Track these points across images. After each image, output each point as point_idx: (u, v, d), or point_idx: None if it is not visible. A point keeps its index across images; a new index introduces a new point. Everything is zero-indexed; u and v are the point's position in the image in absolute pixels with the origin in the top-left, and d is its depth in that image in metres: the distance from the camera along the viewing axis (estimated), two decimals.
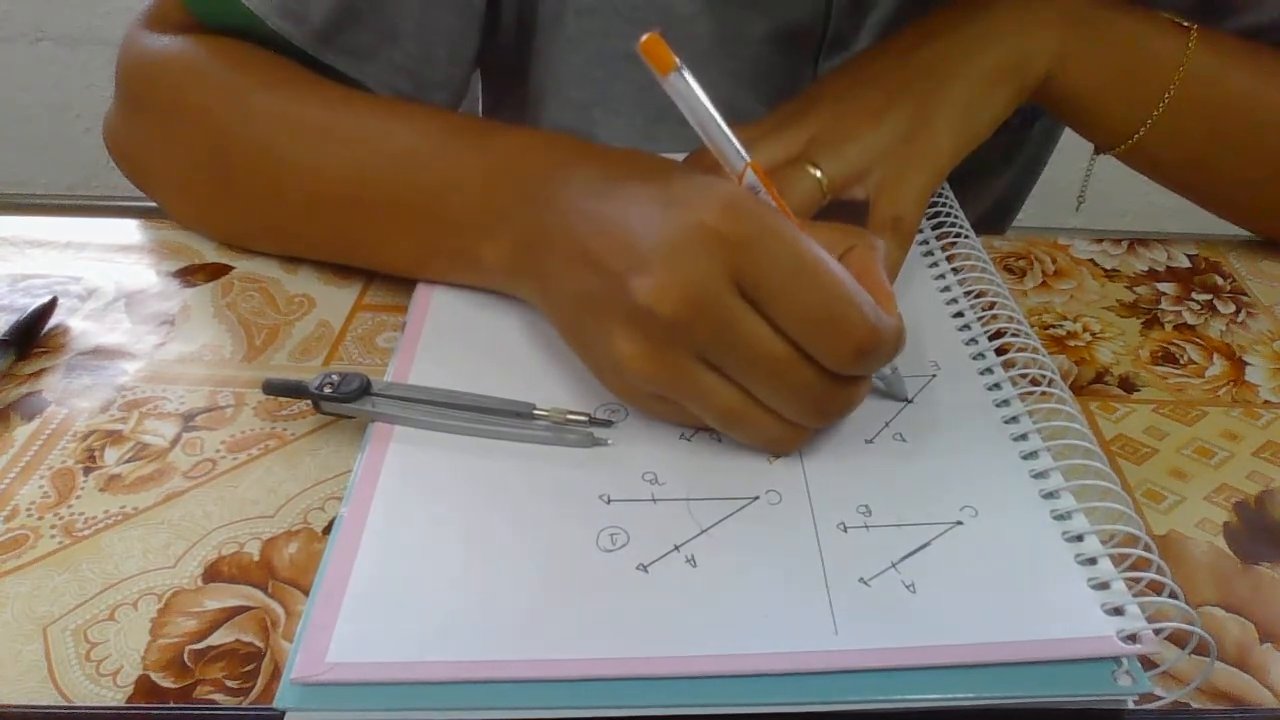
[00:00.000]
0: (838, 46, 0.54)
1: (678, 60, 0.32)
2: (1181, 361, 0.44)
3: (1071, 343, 0.45)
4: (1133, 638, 0.28)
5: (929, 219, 0.47)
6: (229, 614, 0.32)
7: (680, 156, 0.47)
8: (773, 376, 0.32)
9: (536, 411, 0.35)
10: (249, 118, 0.46)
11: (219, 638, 0.31)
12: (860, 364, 0.32)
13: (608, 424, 0.36)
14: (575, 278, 0.35)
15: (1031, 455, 0.34)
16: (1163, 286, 0.49)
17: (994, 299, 0.41)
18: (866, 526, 0.31)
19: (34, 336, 0.43)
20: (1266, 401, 0.41)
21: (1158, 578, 0.29)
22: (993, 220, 0.70)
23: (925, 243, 0.46)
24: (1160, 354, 0.44)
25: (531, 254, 0.38)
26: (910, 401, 0.37)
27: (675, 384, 0.33)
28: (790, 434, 0.34)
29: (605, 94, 0.56)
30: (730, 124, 0.34)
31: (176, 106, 0.48)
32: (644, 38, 0.32)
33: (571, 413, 0.35)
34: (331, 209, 0.45)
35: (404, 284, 0.45)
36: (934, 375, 0.38)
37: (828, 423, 0.35)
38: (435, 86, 0.53)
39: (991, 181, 0.65)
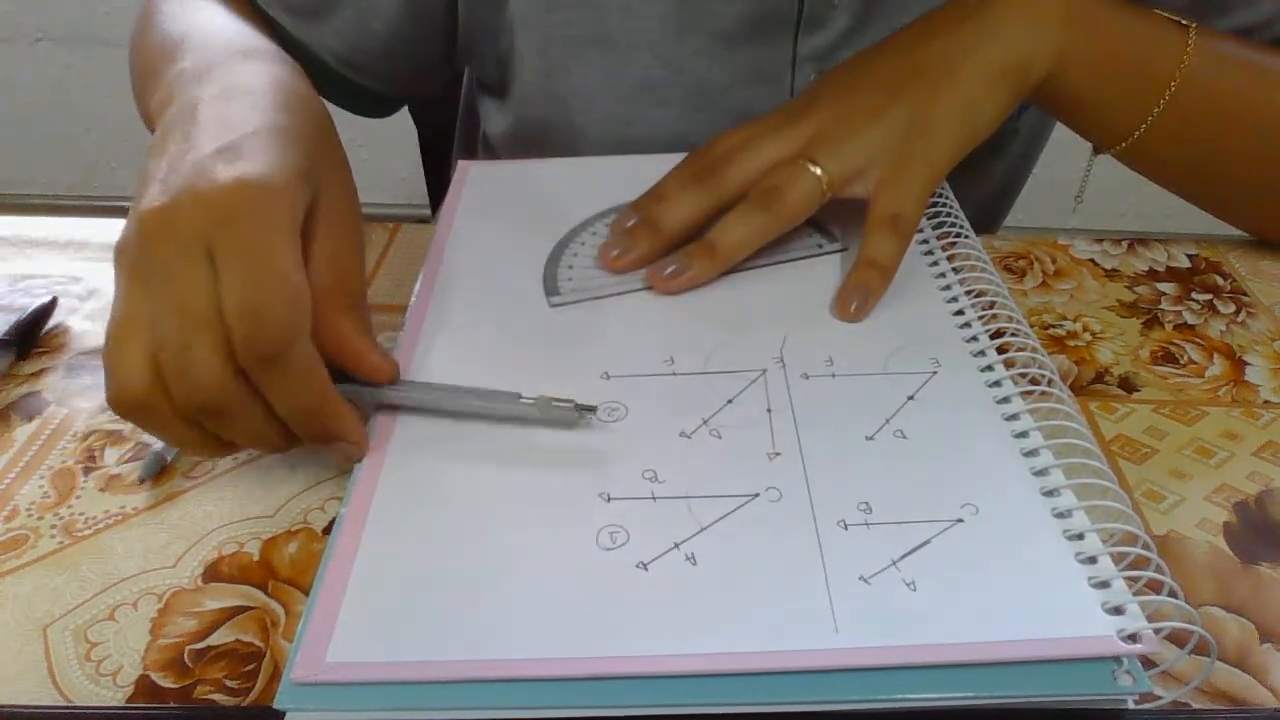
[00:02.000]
0: (814, 25, 0.54)
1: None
2: (1181, 361, 0.44)
3: (1071, 343, 0.45)
4: (1133, 637, 0.27)
5: (929, 218, 0.47)
6: (229, 614, 0.32)
7: (667, 162, 0.47)
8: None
9: (523, 399, 0.35)
10: (145, 26, 0.49)
11: (219, 638, 0.31)
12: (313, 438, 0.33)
13: (591, 409, 0.35)
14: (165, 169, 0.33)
15: (1032, 453, 0.34)
16: (1163, 286, 0.49)
17: (994, 299, 0.41)
18: (867, 524, 0.31)
19: (34, 336, 0.43)
20: (1266, 401, 0.41)
21: (1157, 576, 0.29)
22: (985, 216, 0.70)
23: (925, 241, 0.46)
24: (1160, 354, 0.44)
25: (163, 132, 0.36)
26: (911, 399, 0.37)
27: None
28: (273, 436, 0.33)
29: (580, 83, 0.56)
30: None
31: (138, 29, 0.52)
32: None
33: (556, 399, 0.35)
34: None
35: (404, 284, 0.45)
36: (934, 373, 0.38)
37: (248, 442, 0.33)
38: (373, 56, 0.56)
39: (982, 175, 0.65)
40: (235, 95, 0.36)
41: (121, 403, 0.31)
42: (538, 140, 0.59)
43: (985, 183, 0.67)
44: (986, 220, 0.70)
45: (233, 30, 0.45)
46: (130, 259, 0.31)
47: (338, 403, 0.33)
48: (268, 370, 0.31)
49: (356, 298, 0.35)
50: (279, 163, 0.33)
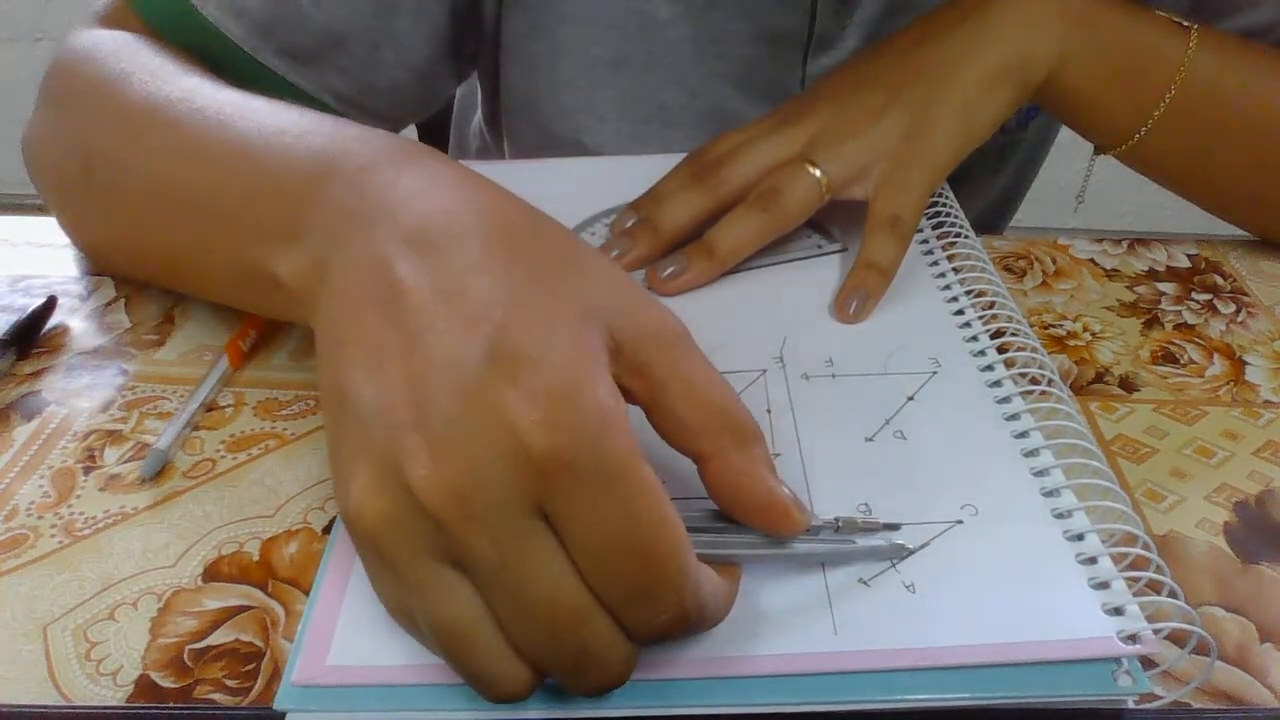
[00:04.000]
0: (824, 46, 0.54)
1: None
2: (1181, 361, 0.44)
3: (1071, 342, 0.45)
4: (1133, 637, 0.27)
5: (929, 218, 0.47)
6: (229, 614, 0.32)
7: (667, 163, 0.47)
8: (548, 619, 0.24)
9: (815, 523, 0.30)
10: (105, 110, 0.41)
11: (219, 637, 0.31)
12: (663, 639, 0.25)
13: (895, 527, 0.31)
14: (344, 364, 0.25)
15: (1032, 453, 0.34)
16: (1163, 286, 0.49)
17: (994, 298, 0.41)
18: None
19: (34, 336, 0.43)
20: (1266, 401, 0.41)
21: (1157, 577, 0.29)
22: (990, 221, 0.70)
23: (925, 242, 0.46)
24: (1160, 354, 0.44)
25: (324, 288, 0.28)
26: (911, 399, 0.37)
27: (404, 566, 0.24)
28: (516, 676, 0.25)
29: (590, 100, 0.56)
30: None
31: (60, 97, 0.46)
32: None
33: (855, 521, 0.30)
34: (158, 213, 0.38)
35: None
36: (934, 373, 0.38)
37: (578, 683, 0.25)
38: (378, 92, 0.52)
39: (987, 181, 0.65)
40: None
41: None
42: (540, 154, 0.59)
43: (991, 189, 0.67)
44: (991, 224, 0.70)
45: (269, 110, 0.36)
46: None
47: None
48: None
49: (744, 420, 0.27)
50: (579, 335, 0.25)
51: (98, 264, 0.49)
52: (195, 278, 0.40)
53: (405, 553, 0.24)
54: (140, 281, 0.47)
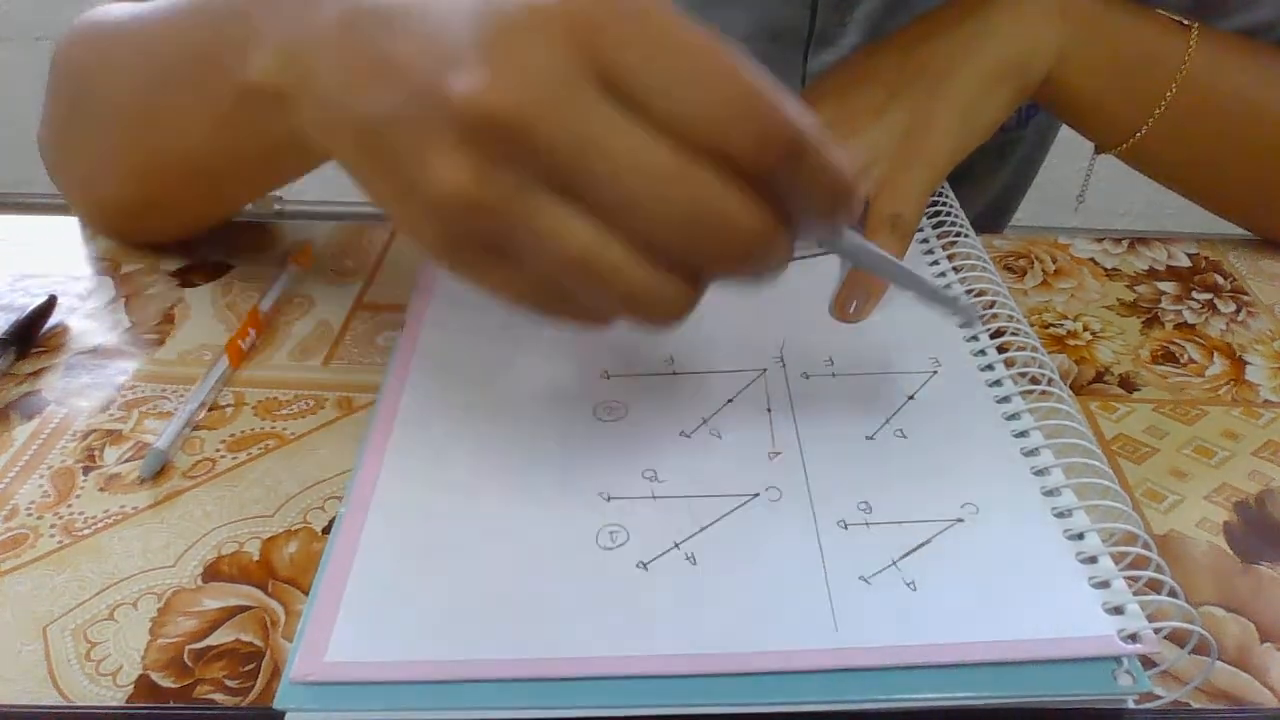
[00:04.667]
0: (825, 42, 0.54)
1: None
2: (1182, 361, 0.44)
3: (1071, 342, 0.45)
4: (1133, 637, 0.27)
5: (929, 217, 0.47)
6: (229, 614, 0.32)
7: None
8: (655, 192, 0.23)
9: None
10: (92, 49, 0.43)
11: (219, 637, 0.31)
12: (783, 159, 0.24)
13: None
14: (364, 94, 0.26)
15: (1033, 452, 0.34)
16: (1163, 286, 0.49)
17: (994, 298, 0.41)
18: (867, 524, 0.31)
19: (34, 336, 0.43)
20: (1267, 401, 0.41)
21: (1157, 576, 0.29)
22: (990, 219, 0.70)
23: (925, 241, 0.46)
24: (1160, 353, 0.44)
25: (300, 68, 0.29)
26: (911, 398, 0.37)
27: (510, 215, 0.24)
28: (667, 289, 0.25)
29: None
30: None
31: (61, 65, 0.46)
32: None
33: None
34: (146, 107, 0.40)
35: (404, 284, 0.45)
36: (935, 372, 0.38)
37: (734, 264, 0.25)
38: None
39: (987, 180, 0.65)
40: None
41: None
42: None
43: (991, 187, 0.67)
44: (991, 223, 0.70)
45: None
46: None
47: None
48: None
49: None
50: None
51: (120, 225, 0.49)
52: (198, 164, 0.40)
53: (507, 201, 0.23)
54: (160, 226, 0.48)
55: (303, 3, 0.29)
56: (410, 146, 0.25)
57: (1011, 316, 0.40)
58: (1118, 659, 0.27)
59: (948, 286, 0.43)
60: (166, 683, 0.30)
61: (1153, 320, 0.46)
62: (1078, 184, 0.54)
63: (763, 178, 0.24)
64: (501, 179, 0.23)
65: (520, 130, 0.23)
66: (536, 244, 0.24)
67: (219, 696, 0.29)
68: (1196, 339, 0.45)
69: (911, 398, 0.37)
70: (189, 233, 0.49)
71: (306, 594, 0.32)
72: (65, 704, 0.29)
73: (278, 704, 0.27)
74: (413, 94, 0.25)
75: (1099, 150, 0.50)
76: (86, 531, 0.34)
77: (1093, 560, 0.30)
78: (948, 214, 0.47)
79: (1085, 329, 0.46)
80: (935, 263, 0.45)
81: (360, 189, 0.28)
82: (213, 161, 0.40)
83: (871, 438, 0.35)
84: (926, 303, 0.33)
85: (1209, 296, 0.48)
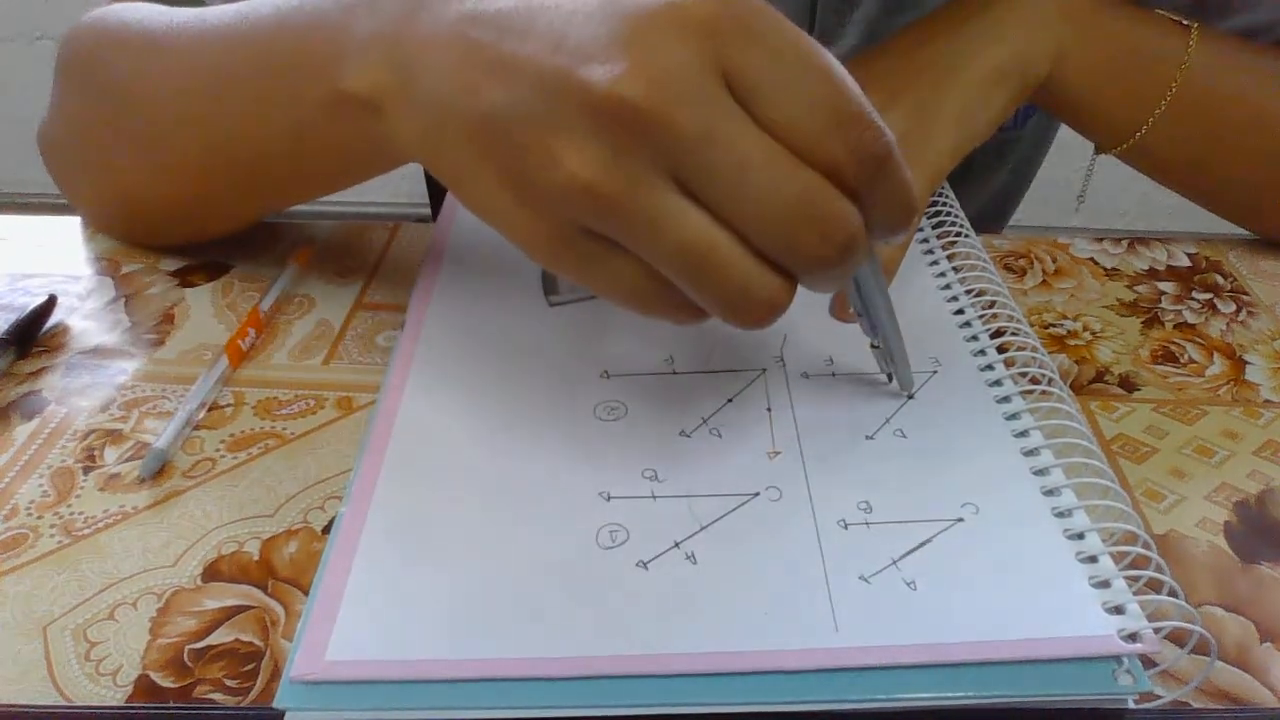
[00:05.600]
0: (823, 43, 0.54)
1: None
2: (1182, 360, 0.44)
3: (1071, 342, 0.45)
4: (1133, 636, 0.27)
5: (929, 218, 0.47)
6: (229, 614, 0.32)
7: None
8: (770, 187, 0.25)
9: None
10: (128, 47, 0.43)
11: (219, 637, 0.31)
12: (877, 171, 0.26)
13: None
14: (486, 93, 0.27)
15: (1032, 452, 0.34)
16: (1163, 285, 0.49)
17: (994, 298, 0.41)
18: (867, 523, 0.31)
19: (34, 336, 0.43)
20: (1267, 401, 0.41)
21: (1157, 576, 0.29)
22: (989, 219, 0.70)
23: (925, 241, 0.46)
24: (1160, 353, 0.44)
25: (406, 74, 0.30)
26: (911, 397, 0.37)
27: (632, 203, 0.25)
28: (771, 284, 0.26)
29: None
30: None
31: (78, 61, 0.46)
32: None
33: None
34: (205, 115, 0.40)
35: (404, 284, 0.45)
36: (935, 372, 0.38)
37: (830, 264, 0.26)
38: None
39: (986, 180, 0.65)
40: None
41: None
42: None
43: (989, 187, 0.67)
44: (991, 224, 0.70)
45: None
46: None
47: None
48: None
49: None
50: None
51: (147, 224, 0.49)
52: (263, 167, 0.41)
53: (632, 189, 0.25)
54: (193, 229, 0.47)
55: (407, 12, 0.31)
56: (536, 139, 0.26)
57: (1011, 316, 0.40)
58: (1118, 659, 0.27)
59: (947, 286, 0.43)
60: (166, 683, 0.30)
61: (1153, 320, 0.46)
62: (1078, 184, 0.54)
63: (850, 186, 0.26)
64: (628, 168, 0.25)
65: (654, 120, 0.24)
66: (653, 234, 0.25)
67: (219, 696, 0.29)
68: (1196, 339, 0.45)
69: (911, 397, 0.37)
70: (222, 234, 0.49)
71: (306, 594, 0.32)
72: (65, 704, 0.29)
73: (277, 703, 0.27)
74: (543, 88, 0.26)
75: (1099, 150, 0.50)
76: (86, 531, 0.34)
77: (1093, 560, 0.30)
78: (948, 214, 0.47)
79: (1085, 329, 0.46)
80: (935, 263, 0.45)
81: (460, 193, 0.30)
82: (280, 165, 0.41)
83: (871, 437, 0.35)
84: (883, 356, 0.36)
85: (1209, 296, 0.48)
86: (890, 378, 0.37)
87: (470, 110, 0.28)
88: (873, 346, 0.36)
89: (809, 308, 0.42)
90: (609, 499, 0.33)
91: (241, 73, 0.38)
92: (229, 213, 0.47)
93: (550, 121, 0.25)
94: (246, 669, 0.30)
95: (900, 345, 0.36)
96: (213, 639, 0.31)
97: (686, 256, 0.26)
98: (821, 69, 0.25)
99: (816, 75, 0.25)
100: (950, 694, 0.27)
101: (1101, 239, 0.53)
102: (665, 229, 0.25)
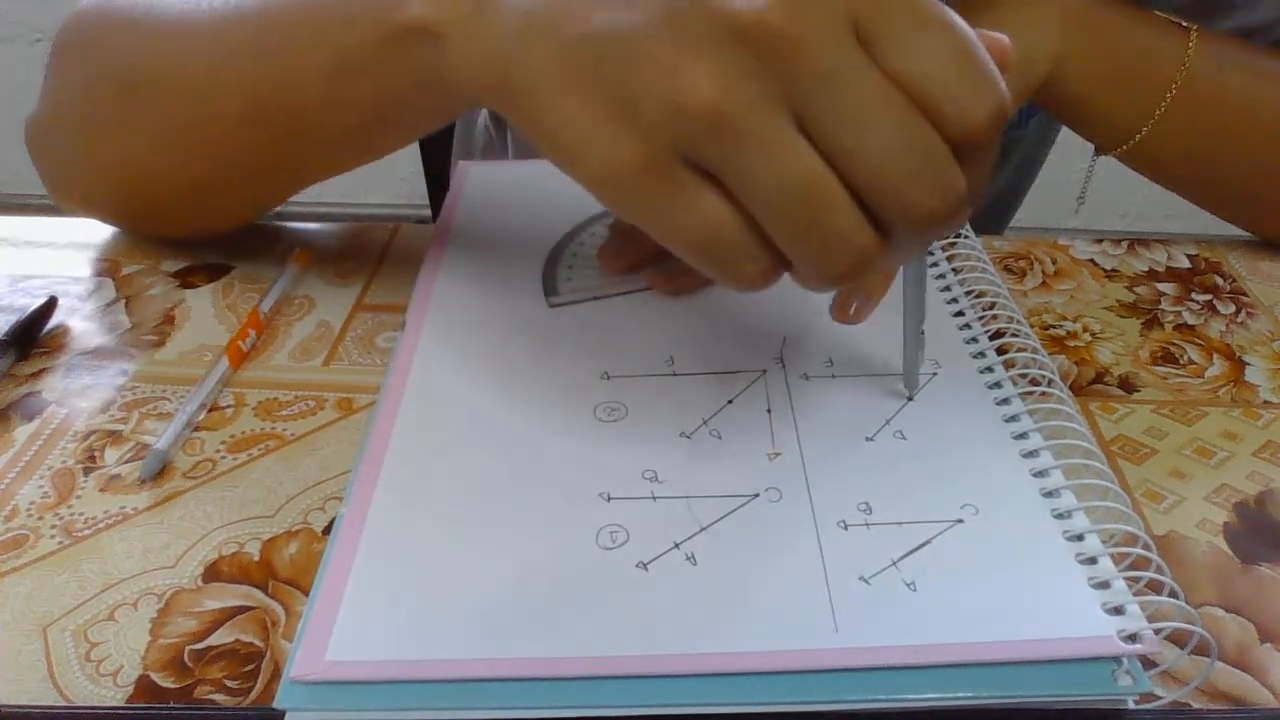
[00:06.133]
0: None
1: None
2: (1181, 361, 0.44)
3: (1071, 343, 0.45)
4: (1133, 637, 0.28)
5: None
6: (229, 614, 0.32)
7: None
8: (887, 135, 0.25)
9: None
10: (139, 27, 0.42)
11: (219, 638, 0.31)
12: (984, 140, 0.26)
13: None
14: (592, 12, 0.27)
15: (1032, 454, 0.34)
16: (1163, 287, 0.49)
17: (994, 299, 0.41)
18: (867, 524, 0.31)
19: (34, 336, 0.43)
20: (1266, 402, 0.41)
21: (1157, 577, 0.29)
22: (991, 220, 0.70)
23: None
24: (1160, 354, 0.44)
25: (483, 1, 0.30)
26: (911, 399, 0.37)
27: (753, 126, 0.25)
28: (870, 236, 0.26)
29: None
30: None
31: (78, 48, 0.45)
32: None
33: None
34: (235, 78, 0.39)
35: (404, 284, 0.45)
36: (934, 374, 0.38)
37: (932, 225, 0.26)
38: None
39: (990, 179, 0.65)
40: None
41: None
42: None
43: (993, 186, 0.67)
44: (991, 224, 0.71)
45: None
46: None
47: None
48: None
49: None
50: None
51: (146, 211, 0.47)
52: (296, 124, 0.40)
53: (749, 113, 0.24)
54: (205, 214, 0.46)
55: None
56: (660, 53, 0.25)
57: (1011, 318, 0.40)
58: (1117, 659, 0.27)
59: (947, 287, 0.43)
60: (167, 683, 0.30)
61: (1152, 321, 0.46)
62: (1078, 185, 0.54)
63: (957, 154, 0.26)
64: (754, 92, 0.24)
65: (792, 49, 0.24)
66: (767, 162, 0.25)
67: (219, 697, 0.29)
68: (1196, 340, 0.45)
69: (911, 399, 0.37)
70: (232, 222, 0.47)
71: (307, 594, 0.32)
72: (65, 704, 0.29)
73: (278, 703, 0.27)
74: (671, 6, 0.25)
75: (1099, 152, 0.50)
76: (87, 532, 0.34)
77: (1092, 561, 0.30)
78: None
79: (1085, 330, 0.46)
80: (935, 263, 0.45)
81: (530, 121, 0.29)
82: (314, 121, 0.40)
83: (871, 439, 0.35)
84: (910, 342, 0.36)
85: (1209, 298, 0.48)
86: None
87: (569, 29, 0.27)
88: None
89: (809, 309, 0.42)
90: (609, 500, 0.33)
91: (280, 20, 0.38)
92: (245, 193, 0.46)
93: (679, 36, 0.25)
94: (247, 669, 0.30)
95: (917, 337, 0.35)
96: (213, 639, 0.31)
97: (795, 192, 0.25)
98: (954, 33, 0.25)
99: (948, 38, 0.25)
100: (950, 694, 0.27)
101: (1101, 240, 0.53)
102: (780, 159, 0.25)
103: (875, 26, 0.24)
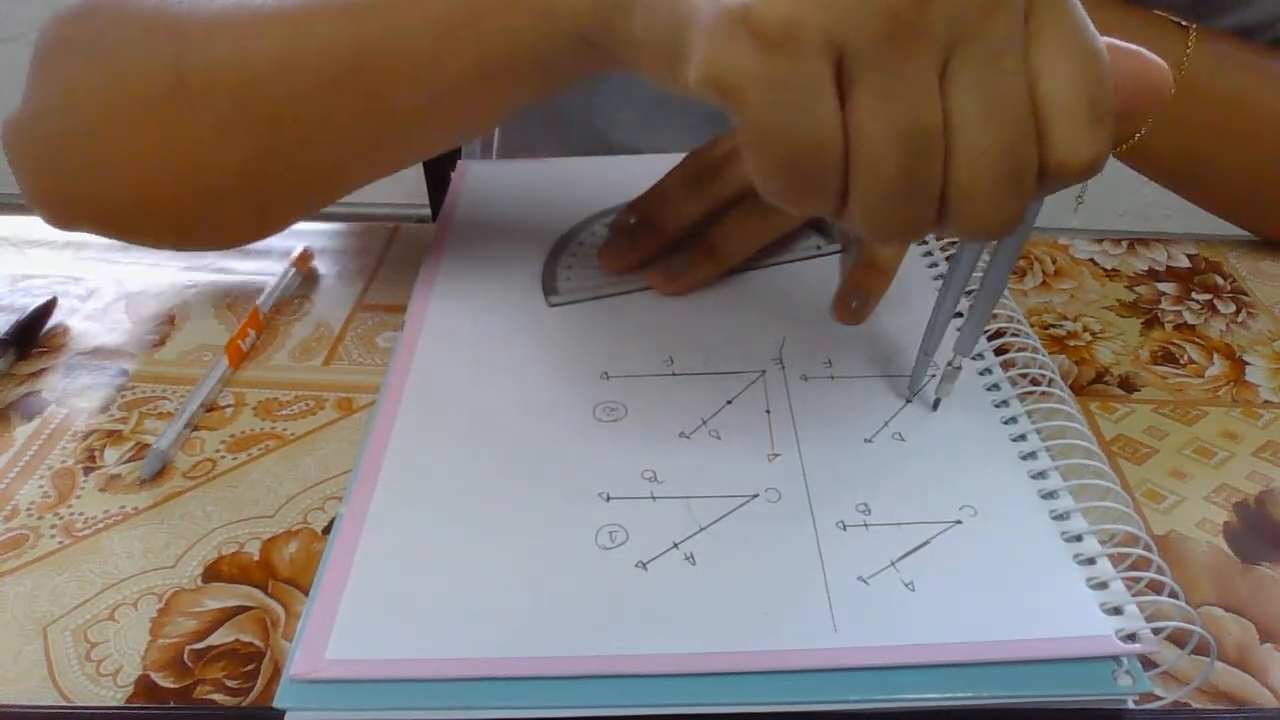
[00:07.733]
0: None
1: None
2: (1181, 361, 0.44)
3: (1071, 343, 0.45)
4: (1132, 637, 0.28)
5: None
6: (229, 614, 0.32)
7: (667, 162, 0.47)
8: (1006, 128, 0.24)
9: None
10: (187, 15, 0.39)
11: (219, 638, 0.31)
12: (1082, 175, 0.26)
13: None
14: None
15: (1030, 455, 0.34)
16: (1163, 286, 0.49)
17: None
18: (865, 525, 0.31)
19: (34, 336, 0.44)
20: (1266, 401, 0.41)
21: (1157, 577, 0.29)
22: None
23: (925, 241, 0.46)
24: (1160, 354, 0.44)
25: None
26: (910, 400, 0.37)
27: (913, 50, 0.24)
28: (934, 206, 0.26)
29: (604, 80, 0.56)
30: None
31: (88, 44, 0.42)
32: None
33: None
34: (316, 57, 0.37)
35: (404, 284, 0.45)
36: (933, 375, 0.38)
37: (989, 221, 0.26)
38: None
39: None
40: None
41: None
42: (544, 143, 0.59)
43: None
44: None
45: None
46: None
47: None
48: None
49: None
50: None
51: (163, 210, 0.42)
52: (392, 88, 0.37)
53: (917, 37, 0.24)
54: (248, 209, 0.42)
55: None
56: None
57: (1012, 317, 0.40)
58: (1117, 659, 0.27)
59: None
60: (167, 683, 0.30)
61: (1152, 321, 0.46)
62: (1078, 185, 0.54)
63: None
64: (935, 18, 0.24)
65: (986, 5, 0.23)
66: (906, 91, 0.24)
67: (219, 697, 0.29)
68: (1196, 340, 0.45)
69: (910, 400, 0.37)
70: (280, 223, 0.44)
71: (306, 594, 0.32)
72: (65, 704, 0.29)
73: (277, 702, 0.27)
74: None
75: None
76: (87, 532, 0.34)
77: (1090, 561, 0.30)
78: None
79: (1085, 330, 0.46)
80: (933, 264, 0.45)
81: (687, 40, 0.27)
82: (410, 87, 0.37)
83: (870, 440, 0.35)
84: (973, 324, 0.34)
85: (1209, 297, 0.48)
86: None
87: None
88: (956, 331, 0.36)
89: (808, 309, 0.42)
90: (608, 500, 0.33)
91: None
92: (303, 181, 0.42)
93: None
94: (247, 669, 0.30)
95: (939, 331, 0.35)
96: (213, 639, 0.31)
97: (907, 138, 0.24)
98: (1101, 70, 0.25)
99: (1095, 71, 0.25)
100: (949, 694, 0.27)
101: (1101, 240, 0.53)
102: (915, 99, 0.24)
103: (1041, 21, 0.24)
